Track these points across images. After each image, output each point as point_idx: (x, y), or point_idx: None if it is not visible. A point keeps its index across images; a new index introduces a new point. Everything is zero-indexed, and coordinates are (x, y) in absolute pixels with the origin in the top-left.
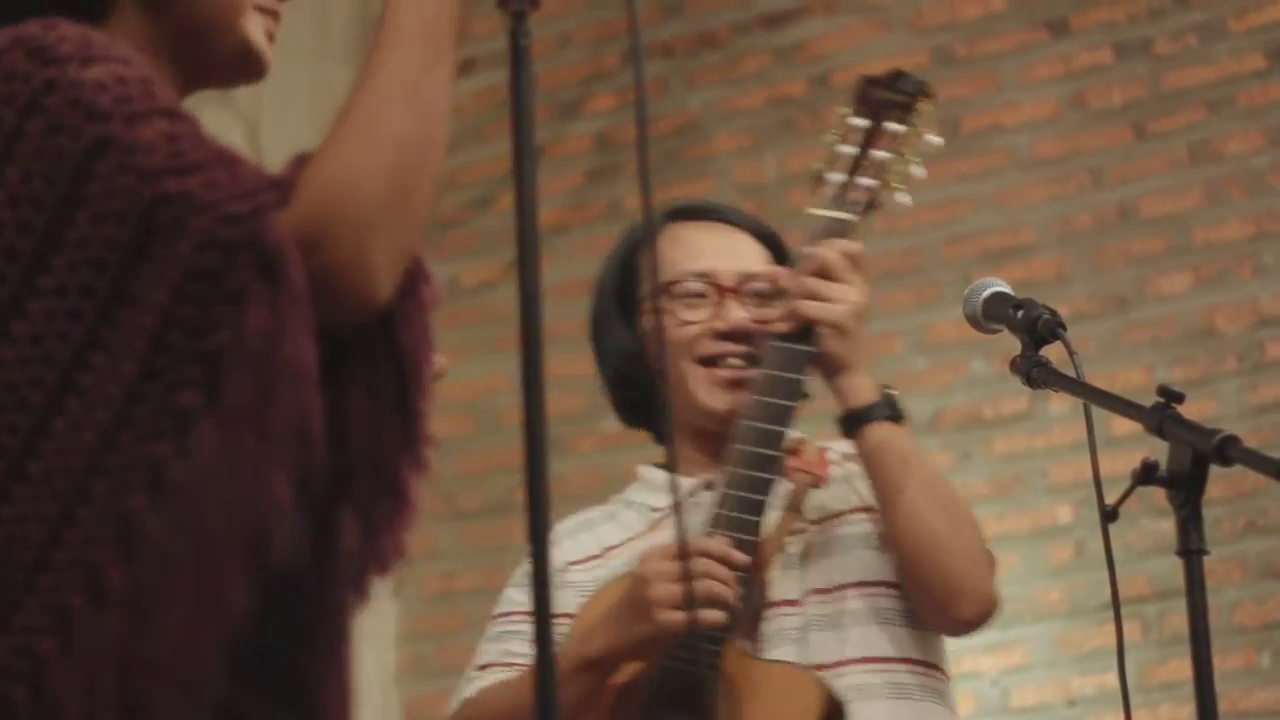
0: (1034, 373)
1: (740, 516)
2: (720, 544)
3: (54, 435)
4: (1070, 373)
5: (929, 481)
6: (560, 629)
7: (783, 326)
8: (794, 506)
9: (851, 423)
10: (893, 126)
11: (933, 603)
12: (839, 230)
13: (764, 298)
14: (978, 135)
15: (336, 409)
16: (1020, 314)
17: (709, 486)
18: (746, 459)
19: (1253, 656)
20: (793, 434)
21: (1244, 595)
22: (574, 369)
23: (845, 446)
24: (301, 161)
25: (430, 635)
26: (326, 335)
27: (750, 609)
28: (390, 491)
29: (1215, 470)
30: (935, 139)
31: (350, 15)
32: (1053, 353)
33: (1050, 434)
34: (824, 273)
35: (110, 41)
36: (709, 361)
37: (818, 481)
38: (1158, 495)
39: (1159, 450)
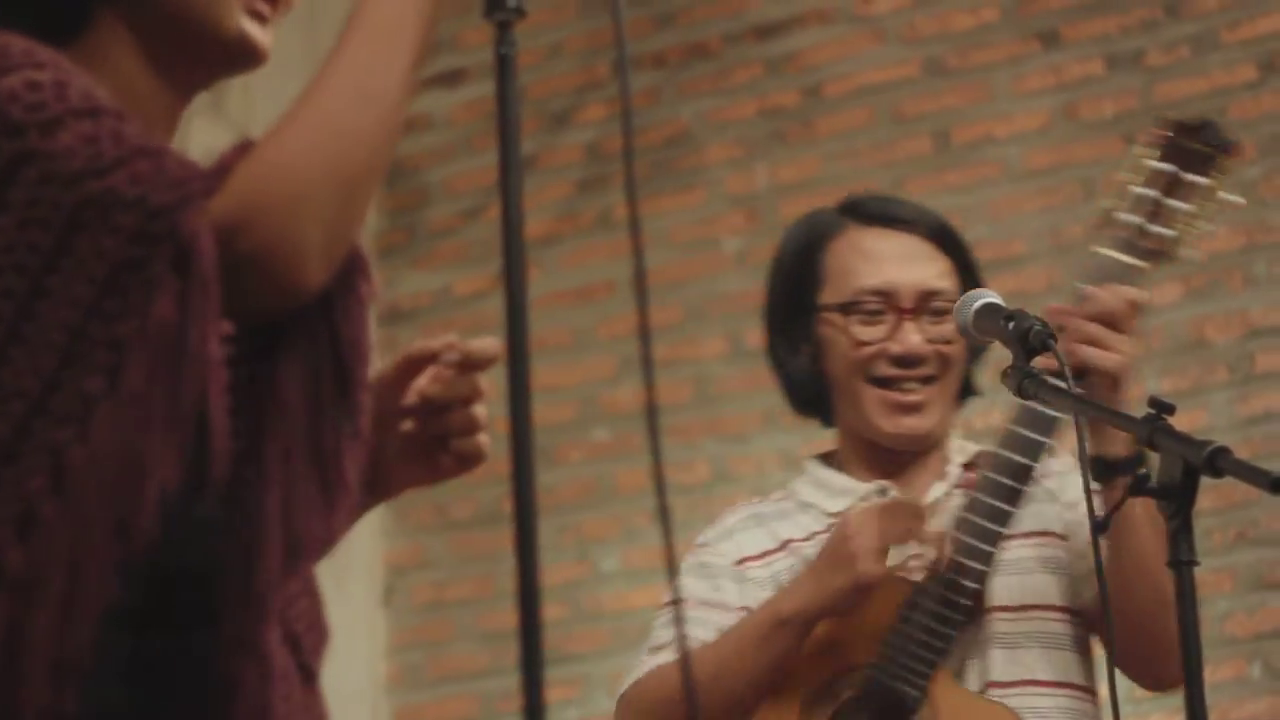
0: (1025, 384)
1: (978, 546)
2: (916, 504)
3: None
4: (1061, 384)
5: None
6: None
7: (1052, 362)
8: None
9: (1106, 470)
10: (1193, 178)
11: (1145, 659)
12: (1125, 275)
13: (941, 314)
14: (969, 146)
15: (275, 394)
16: (1011, 325)
17: (882, 492)
18: (993, 489)
19: (1243, 667)
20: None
21: (1234, 606)
22: (563, 379)
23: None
24: (243, 148)
25: (421, 645)
26: (267, 324)
27: (969, 630)
28: (330, 477)
29: (1206, 481)
30: (1235, 199)
31: (342, 25)
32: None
33: None
34: (1108, 319)
35: (29, 47)
36: (883, 383)
37: None
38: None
39: (1150, 461)
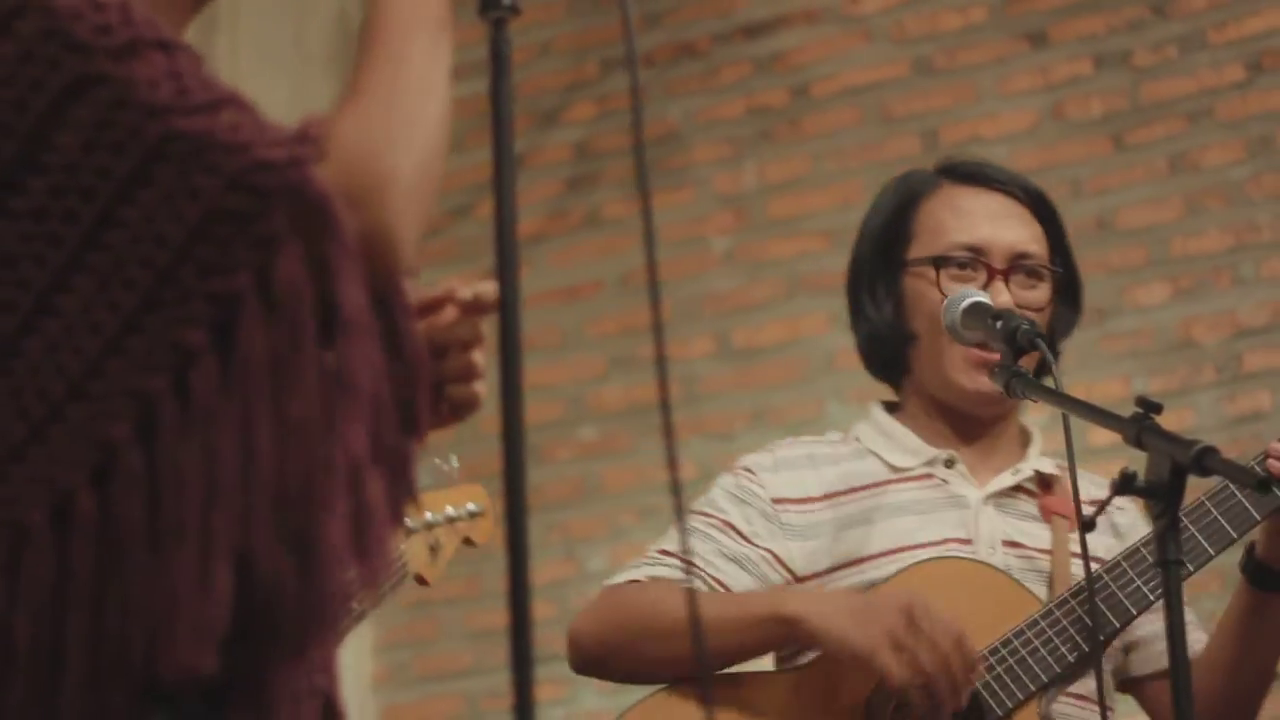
0: (1013, 383)
1: (1123, 601)
2: (970, 653)
3: (25, 355)
4: (1049, 383)
5: None
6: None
7: (1277, 465)
8: (1059, 547)
9: (1262, 577)
10: None
11: None
12: None
13: (1032, 275)
14: (957, 146)
15: (347, 380)
16: (999, 324)
17: (949, 464)
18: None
19: None
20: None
21: (1221, 606)
22: (552, 378)
23: (1101, 490)
24: (320, 124)
25: (407, 644)
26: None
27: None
28: (397, 474)
29: (1193, 480)
30: None
31: (329, 25)
32: (1030, 362)
33: None
34: None
35: None
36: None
37: (1071, 527)
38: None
39: (1137, 460)
